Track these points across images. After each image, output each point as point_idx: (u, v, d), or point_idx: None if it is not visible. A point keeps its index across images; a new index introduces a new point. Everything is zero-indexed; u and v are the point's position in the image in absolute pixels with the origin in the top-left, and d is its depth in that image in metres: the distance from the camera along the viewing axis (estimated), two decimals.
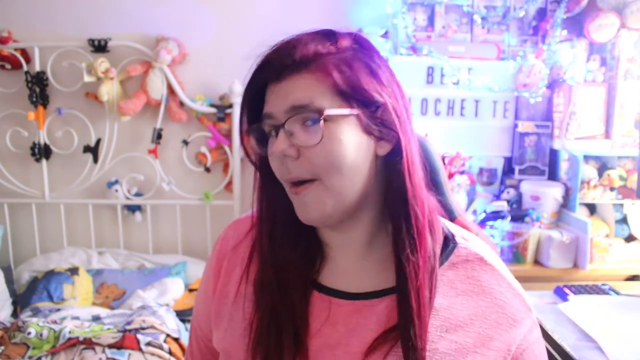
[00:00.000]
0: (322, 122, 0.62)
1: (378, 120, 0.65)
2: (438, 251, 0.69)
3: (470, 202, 2.09)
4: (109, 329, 1.64)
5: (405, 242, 0.67)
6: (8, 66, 2.19)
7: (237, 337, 0.71)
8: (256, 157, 0.71)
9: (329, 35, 0.66)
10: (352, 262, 0.71)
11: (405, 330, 0.64)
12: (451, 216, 0.92)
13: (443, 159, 1.99)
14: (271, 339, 0.67)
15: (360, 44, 0.67)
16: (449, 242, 0.72)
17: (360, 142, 0.65)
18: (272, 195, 0.71)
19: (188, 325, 1.83)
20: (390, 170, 0.67)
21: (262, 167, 0.71)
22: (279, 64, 0.64)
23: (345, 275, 0.71)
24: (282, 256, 0.70)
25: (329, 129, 0.63)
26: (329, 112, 0.62)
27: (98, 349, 1.52)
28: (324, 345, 0.67)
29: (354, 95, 0.64)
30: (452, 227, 0.75)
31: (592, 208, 2.12)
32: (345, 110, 0.64)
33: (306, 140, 0.63)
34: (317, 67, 0.64)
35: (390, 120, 0.66)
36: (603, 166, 2.04)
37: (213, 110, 2.21)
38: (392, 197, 0.68)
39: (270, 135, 0.66)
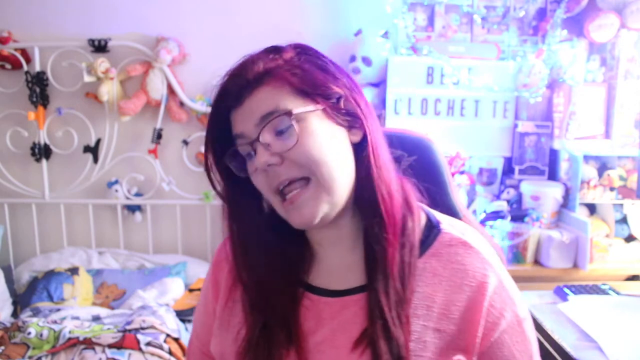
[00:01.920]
0: (294, 122, 0.65)
1: (343, 111, 0.69)
2: (417, 240, 0.70)
3: (470, 202, 2.09)
4: (109, 329, 1.64)
5: (374, 230, 0.68)
6: (8, 66, 2.19)
7: (231, 341, 0.72)
8: (223, 189, 0.74)
9: (273, 51, 0.69)
10: (342, 258, 0.73)
11: (373, 330, 0.64)
12: (456, 217, 0.92)
13: None
14: (260, 348, 0.69)
15: (304, 50, 0.71)
16: (433, 229, 0.72)
17: (334, 132, 0.68)
18: (243, 222, 0.73)
19: (188, 325, 1.83)
20: (359, 156, 0.70)
21: (232, 196, 0.74)
22: (236, 88, 0.67)
23: (334, 272, 0.73)
24: (270, 264, 0.72)
25: (301, 128, 0.65)
26: (297, 110, 0.65)
27: (98, 349, 1.52)
28: (313, 343, 0.68)
29: (314, 91, 0.67)
30: (439, 215, 0.76)
31: (592, 208, 2.12)
32: (310, 107, 0.66)
33: (284, 145, 0.65)
34: (271, 79, 0.66)
35: (353, 108, 0.69)
36: (603, 166, 2.04)
37: None
38: (361, 181, 0.69)
39: (248, 156, 0.69)
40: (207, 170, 0.73)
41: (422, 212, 0.75)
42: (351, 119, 0.69)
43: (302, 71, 0.67)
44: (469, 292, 0.67)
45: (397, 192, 0.70)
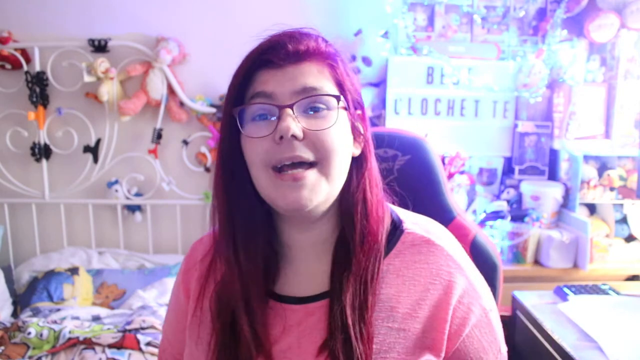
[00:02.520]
0: (338, 107, 0.66)
1: (356, 122, 0.70)
2: (383, 245, 0.69)
3: (470, 202, 2.09)
4: (109, 329, 1.64)
5: (353, 243, 0.67)
6: (8, 66, 2.19)
7: (201, 352, 0.71)
8: (227, 147, 0.68)
9: (324, 37, 0.70)
10: (310, 263, 0.72)
11: (334, 343, 0.64)
12: (450, 216, 0.92)
13: (443, 159, 2.00)
14: (229, 356, 0.67)
15: (339, 51, 0.71)
16: (396, 230, 0.72)
17: (349, 136, 0.68)
18: (235, 197, 0.70)
19: None
20: (355, 172, 0.70)
21: (226, 163, 0.69)
22: (293, 48, 0.65)
23: (301, 278, 0.71)
24: (242, 269, 0.68)
25: (336, 117, 0.65)
26: (342, 100, 0.66)
27: (98, 349, 1.52)
28: (279, 351, 0.67)
29: (350, 92, 0.68)
30: (403, 213, 0.75)
31: (592, 208, 2.12)
32: (344, 103, 0.67)
33: (314, 124, 0.64)
34: (319, 59, 0.67)
35: (363, 124, 0.71)
36: (603, 166, 2.04)
37: (213, 110, 2.21)
38: (353, 197, 0.69)
39: (258, 118, 0.65)
40: (224, 123, 0.69)
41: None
42: (357, 133, 0.70)
43: (344, 66, 0.69)
44: (434, 291, 0.67)
45: (381, 209, 0.71)
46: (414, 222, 0.74)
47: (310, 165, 0.64)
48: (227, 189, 0.70)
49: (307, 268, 0.72)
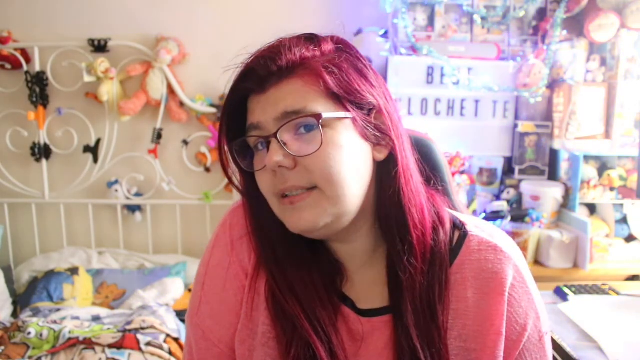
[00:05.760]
0: (321, 127, 0.58)
1: (372, 125, 0.62)
2: (446, 253, 0.64)
3: (470, 202, 2.09)
4: (109, 329, 1.64)
5: (400, 255, 0.62)
6: (8, 66, 2.19)
7: (259, 347, 0.66)
8: (240, 179, 0.67)
9: (311, 39, 0.63)
10: (363, 274, 0.67)
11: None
12: None
13: None
14: None
15: (343, 46, 0.64)
16: (458, 232, 0.67)
17: (359, 147, 0.61)
18: (264, 220, 0.66)
19: None
20: (384, 177, 0.63)
21: (247, 189, 0.67)
22: (264, 71, 0.59)
23: (358, 289, 0.67)
24: (302, 299, 0.63)
25: (326, 135, 0.59)
26: (327, 115, 0.59)
27: (98, 349, 1.52)
28: None
29: (348, 97, 0.61)
30: (463, 217, 0.70)
31: (592, 208, 2.12)
32: (341, 113, 0.60)
33: (303, 149, 0.59)
34: (305, 72, 0.60)
35: (384, 123, 0.63)
36: (603, 166, 2.04)
37: (213, 110, 2.21)
38: (387, 204, 0.63)
39: (257, 149, 0.63)
40: (221, 158, 0.65)
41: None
42: (380, 135, 0.63)
43: (339, 70, 0.60)
44: (500, 305, 0.63)
45: (428, 215, 0.64)
46: (477, 225, 0.68)
47: (310, 189, 0.60)
48: (257, 220, 0.66)
49: (361, 279, 0.67)
